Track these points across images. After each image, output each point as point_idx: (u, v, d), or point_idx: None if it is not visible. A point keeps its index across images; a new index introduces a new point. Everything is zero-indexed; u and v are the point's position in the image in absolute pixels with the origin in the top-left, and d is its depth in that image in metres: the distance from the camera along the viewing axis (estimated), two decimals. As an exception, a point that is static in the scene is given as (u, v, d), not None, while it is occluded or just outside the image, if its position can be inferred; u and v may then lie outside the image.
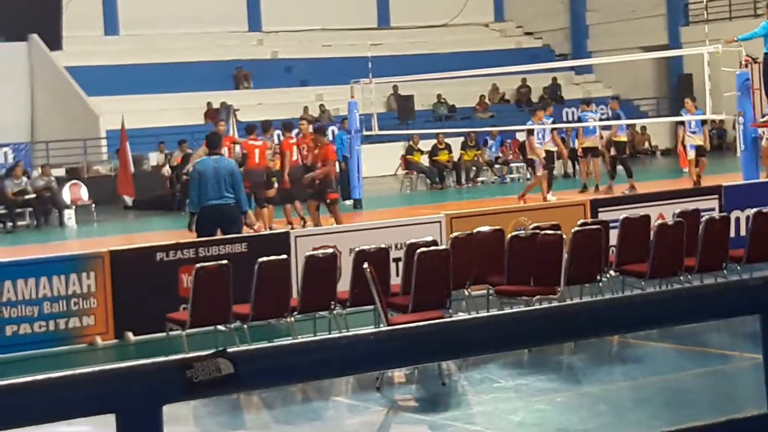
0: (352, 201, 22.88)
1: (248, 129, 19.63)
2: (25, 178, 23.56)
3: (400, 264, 11.10)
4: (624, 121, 22.55)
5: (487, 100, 36.03)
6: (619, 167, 21.70)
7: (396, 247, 12.23)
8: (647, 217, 12.18)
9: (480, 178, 28.54)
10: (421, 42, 38.29)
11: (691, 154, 21.08)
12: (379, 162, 29.29)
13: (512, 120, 30.55)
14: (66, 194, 24.39)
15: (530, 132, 20.78)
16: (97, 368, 2.35)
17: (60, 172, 27.27)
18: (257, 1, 37.54)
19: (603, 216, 13.29)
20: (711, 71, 16.77)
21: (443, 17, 39.72)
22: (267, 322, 10.80)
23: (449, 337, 2.68)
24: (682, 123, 21.69)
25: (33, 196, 23.18)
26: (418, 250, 9.96)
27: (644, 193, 17.76)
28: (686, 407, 8.26)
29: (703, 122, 21.10)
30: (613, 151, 21.67)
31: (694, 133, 21.07)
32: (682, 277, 11.54)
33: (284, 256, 10.81)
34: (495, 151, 29.53)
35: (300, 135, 19.45)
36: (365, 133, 23.16)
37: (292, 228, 16.28)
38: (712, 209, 13.96)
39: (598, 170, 21.92)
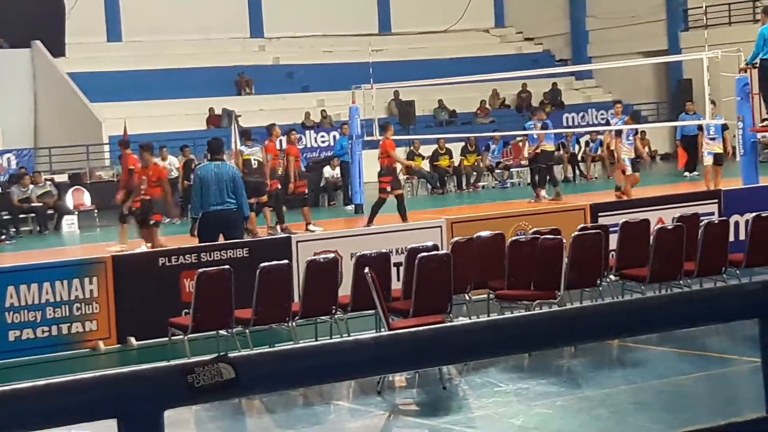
0: (353, 206, 22.92)
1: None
2: (32, 186, 23.81)
3: (401, 269, 11.11)
4: (551, 131, 22.71)
5: (487, 106, 36.05)
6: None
7: (397, 251, 12.26)
8: (647, 222, 12.21)
9: (480, 183, 28.57)
10: (422, 48, 38.32)
11: (708, 160, 20.33)
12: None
13: (512, 125, 30.58)
14: (69, 200, 24.47)
15: (618, 133, 20.76)
16: (99, 373, 2.38)
17: (63, 177, 27.32)
18: (259, 8, 37.57)
19: (603, 220, 13.33)
20: (710, 76, 16.78)
21: (444, 23, 39.75)
22: (268, 326, 10.82)
23: (450, 341, 2.70)
24: (701, 128, 21.20)
25: (39, 204, 23.38)
26: (419, 255, 9.99)
27: (644, 198, 17.77)
28: (686, 411, 8.28)
29: (723, 128, 20.31)
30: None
31: (713, 139, 20.34)
32: (681, 282, 11.56)
33: (285, 261, 10.84)
34: (496, 156, 29.55)
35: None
36: (366, 138, 23.18)
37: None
38: (712, 213, 13.98)
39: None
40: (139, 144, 17.76)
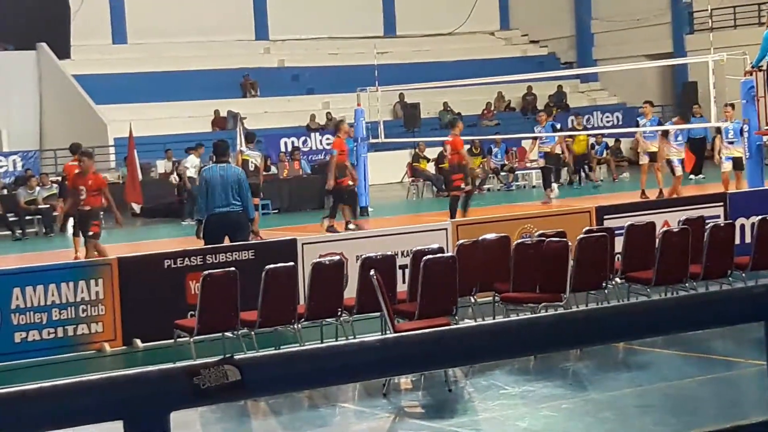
0: (358, 208, 22.92)
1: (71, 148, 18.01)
2: (38, 188, 23.87)
3: (407, 271, 11.11)
4: (559, 133, 22.89)
5: (492, 108, 36.05)
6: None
7: (402, 254, 12.24)
8: (652, 225, 12.19)
9: (486, 186, 28.56)
10: (427, 50, 38.33)
11: (727, 166, 19.59)
12: (385, 169, 29.32)
13: (518, 128, 30.58)
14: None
15: (664, 134, 20.70)
16: (104, 375, 2.38)
17: (68, 180, 27.35)
18: (264, 10, 37.62)
19: (608, 223, 13.31)
20: (716, 79, 16.77)
21: (449, 26, 39.75)
22: (274, 328, 10.83)
23: (455, 343, 2.70)
24: (719, 131, 20.89)
25: (45, 206, 23.45)
26: (425, 258, 9.99)
27: (650, 201, 17.79)
28: (691, 414, 8.27)
29: (741, 131, 20.22)
30: (542, 162, 22.71)
31: (732, 143, 19.53)
32: (687, 285, 11.54)
33: (291, 264, 10.84)
34: (499, 159, 29.55)
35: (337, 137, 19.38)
36: (371, 140, 23.19)
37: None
38: (718, 216, 13.95)
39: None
40: (81, 150, 16.92)
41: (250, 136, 19.86)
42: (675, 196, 18.91)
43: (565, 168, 26.73)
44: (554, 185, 22.76)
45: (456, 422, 8.37)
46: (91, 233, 15.52)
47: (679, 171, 20.11)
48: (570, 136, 26.92)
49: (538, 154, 23.14)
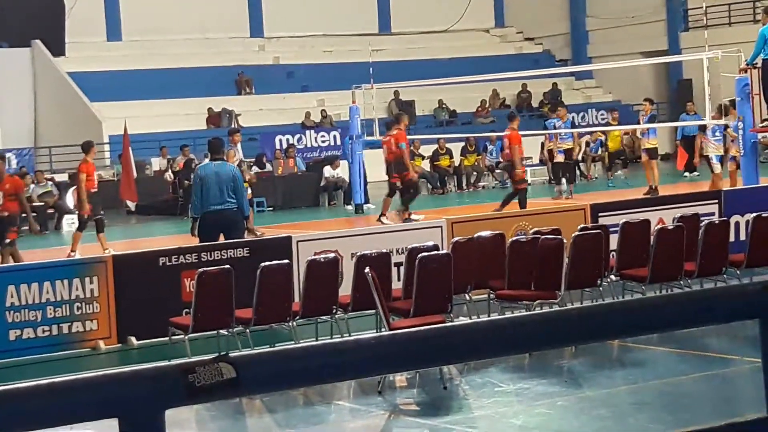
0: (353, 206, 22.94)
1: None
2: (33, 186, 23.82)
3: (402, 268, 11.11)
4: (576, 129, 23.04)
5: (487, 106, 36.06)
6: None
7: (397, 251, 12.26)
8: (647, 222, 12.20)
9: (481, 183, 28.58)
10: (422, 48, 38.33)
11: (732, 165, 19.22)
12: (380, 167, 29.26)
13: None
14: (69, 199, 24.46)
15: (702, 128, 20.67)
16: (99, 373, 2.37)
17: (63, 177, 27.33)
18: (259, 7, 37.58)
19: (603, 221, 13.33)
20: (710, 76, 16.78)
21: (444, 23, 39.75)
22: (269, 326, 10.83)
23: (450, 341, 2.70)
24: (703, 129, 20.78)
25: (39, 204, 23.41)
26: (420, 255, 9.99)
27: (644, 198, 17.81)
28: (686, 411, 8.28)
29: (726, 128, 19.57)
30: (561, 158, 22.86)
31: (731, 141, 19.21)
32: (682, 282, 11.55)
33: (286, 261, 10.84)
34: (494, 157, 29.55)
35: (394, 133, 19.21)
36: (367, 138, 23.19)
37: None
38: (712, 214, 13.97)
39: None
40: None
41: (232, 131, 19.83)
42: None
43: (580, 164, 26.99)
44: (564, 185, 22.85)
45: (451, 420, 8.37)
46: (8, 240, 15.09)
47: (717, 168, 20.02)
48: (603, 132, 27.05)
49: (558, 152, 23.20)
